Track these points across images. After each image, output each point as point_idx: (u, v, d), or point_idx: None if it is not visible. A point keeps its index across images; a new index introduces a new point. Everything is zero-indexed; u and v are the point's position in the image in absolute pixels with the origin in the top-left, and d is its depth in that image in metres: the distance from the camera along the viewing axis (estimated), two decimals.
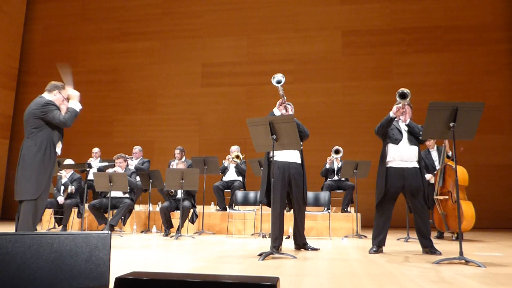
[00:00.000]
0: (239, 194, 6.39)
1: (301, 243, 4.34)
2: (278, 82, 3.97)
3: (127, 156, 6.88)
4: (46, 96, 3.82)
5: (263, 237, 5.88)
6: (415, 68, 9.63)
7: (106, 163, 7.33)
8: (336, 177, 6.96)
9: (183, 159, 7.03)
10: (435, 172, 5.78)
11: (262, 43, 10.46)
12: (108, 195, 6.00)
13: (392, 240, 5.49)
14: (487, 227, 8.16)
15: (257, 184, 4.81)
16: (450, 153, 5.65)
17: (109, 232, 2.15)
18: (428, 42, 9.72)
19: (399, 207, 4.64)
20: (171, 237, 5.87)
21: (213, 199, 7.66)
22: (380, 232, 4.14)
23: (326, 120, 9.72)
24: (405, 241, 5.44)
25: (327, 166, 7.04)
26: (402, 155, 4.08)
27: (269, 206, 4.18)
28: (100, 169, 6.84)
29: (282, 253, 3.74)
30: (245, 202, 6.32)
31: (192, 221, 6.24)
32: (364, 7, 10.11)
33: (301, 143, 4.13)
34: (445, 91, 9.38)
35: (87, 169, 5.05)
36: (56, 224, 7.21)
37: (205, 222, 6.65)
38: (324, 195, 6.11)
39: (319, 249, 4.40)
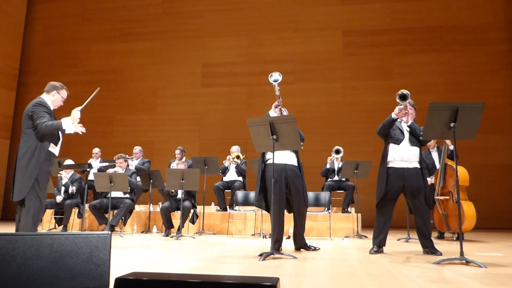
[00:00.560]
0: (240, 194, 6.39)
1: (300, 245, 4.33)
2: (275, 80, 3.95)
3: (127, 156, 6.88)
4: (44, 97, 3.79)
5: (263, 237, 5.87)
6: (416, 68, 9.63)
7: (107, 163, 7.34)
8: (336, 177, 6.96)
9: (184, 159, 7.03)
10: (435, 171, 5.78)
11: (262, 43, 10.47)
12: (109, 195, 5.99)
13: (393, 241, 5.49)
14: (487, 227, 8.15)
15: None
16: (451, 147, 5.58)
17: (109, 232, 2.15)
18: (429, 42, 9.72)
19: (399, 207, 4.64)
20: (172, 237, 5.86)
21: (213, 199, 7.66)
22: (380, 232, 4.14)
23: (327, 120, 9.72)
24: (406, 242, 5.44)
25: (328, 166, 7.04)
26: (402, 155, 4.07)
27: (266, 210, 4.17)
28: (101, 170, 6.85)
29: (282, 253, 3.74)
30: (246, 202, 6.32)
31: (193, 221, 6.25)
32: (364, 7, 10.11)
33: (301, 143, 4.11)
34: (446, 91, 9.38)
35: (88, 170, 5.05)
36: (56, 225, 7.23)
37: (205, 222, 6.65)
38: (324, 195, 6.11)
39: (319, 248, 4.40)
